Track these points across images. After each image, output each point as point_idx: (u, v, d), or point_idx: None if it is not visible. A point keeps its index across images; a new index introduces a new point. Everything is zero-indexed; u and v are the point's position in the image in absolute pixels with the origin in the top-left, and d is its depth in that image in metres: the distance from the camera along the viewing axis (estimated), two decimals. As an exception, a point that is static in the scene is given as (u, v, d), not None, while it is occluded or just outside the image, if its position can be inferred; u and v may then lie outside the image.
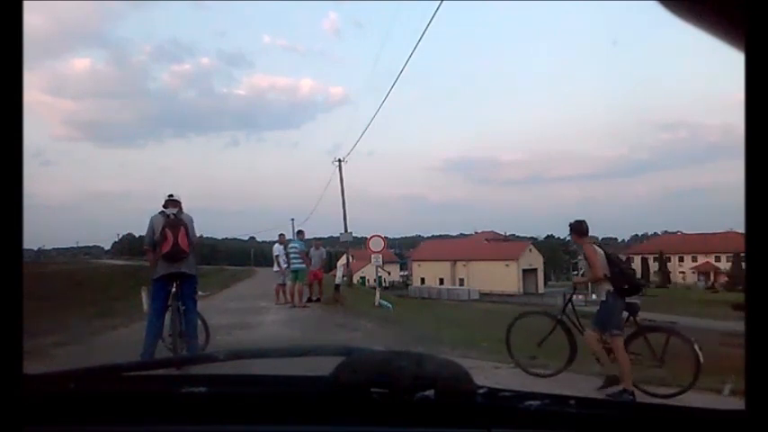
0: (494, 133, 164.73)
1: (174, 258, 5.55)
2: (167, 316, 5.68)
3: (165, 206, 5.77)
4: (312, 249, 12.80)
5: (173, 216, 5.63)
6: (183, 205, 5.93)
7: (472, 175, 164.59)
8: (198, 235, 6.04)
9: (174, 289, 5.67)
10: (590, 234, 5.50)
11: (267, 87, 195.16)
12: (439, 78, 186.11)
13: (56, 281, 22.42)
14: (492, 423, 0.80)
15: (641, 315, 5.55)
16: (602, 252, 5.34)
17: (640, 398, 4.81)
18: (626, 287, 5.17)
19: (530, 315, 6.37)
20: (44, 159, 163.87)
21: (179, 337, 5.66)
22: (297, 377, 0.90)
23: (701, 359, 4.85)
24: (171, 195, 5.84)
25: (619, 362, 5.05)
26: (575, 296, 5.82)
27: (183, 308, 5.71)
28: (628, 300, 5.25)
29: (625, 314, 5.23)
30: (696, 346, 4.96)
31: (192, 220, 5.83)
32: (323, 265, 13.38)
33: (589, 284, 5.42)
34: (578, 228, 5.39)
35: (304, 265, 12.26)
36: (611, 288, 5.15)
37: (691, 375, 4.87)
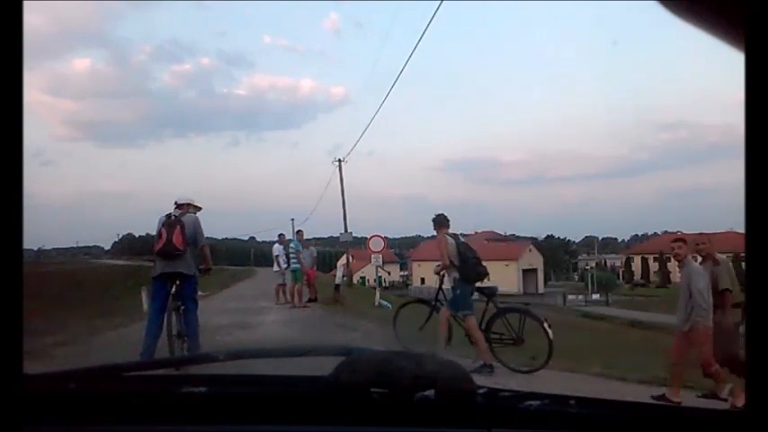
0: (494, 133, 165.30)
1: (168, 256, 5.60)
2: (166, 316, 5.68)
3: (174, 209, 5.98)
4: (303, 249, 12.83)
5: (173, 217, 5.74)
6: (192, 208, 6.09)
7: (472, 175, 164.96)
8: (203, 238, 6.09)
9: (173, 289, 5.70)
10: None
11: (267, 87, 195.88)
12: (439, 78, 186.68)
13: (56, 281, 22.40)
14: (492, 423, 0.80)
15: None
16: (453, 243, 5.96)
17: (507, 374, 5.33)
18: (472, 274, 5.88)
19: (410, 304, 7.18)
20: (44, 159, 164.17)
21: (177, 338, 5.67)
22: (297, 377, 0.90)
23: (551, 336, 5.47)
24: (176, 201, 6.04)
25: (474, 339, 5.71)
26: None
27: (183, 308, 5.73)
28: (482, 285, 6.09)
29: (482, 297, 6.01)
30: (546, 325, 5.58)
31: (195, 221, 5.92)
32: (313, 264, 13.38)
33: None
34: (439, 220, 6.08)
35: (299, 266, 12.27)
36: (458, 275, 5.83)
37: (545, 352, 5.44)
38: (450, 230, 6.11)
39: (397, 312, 6.90)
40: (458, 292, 5.90)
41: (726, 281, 5.02)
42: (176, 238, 5.56)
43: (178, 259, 5.62)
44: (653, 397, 4.88)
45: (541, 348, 5.49)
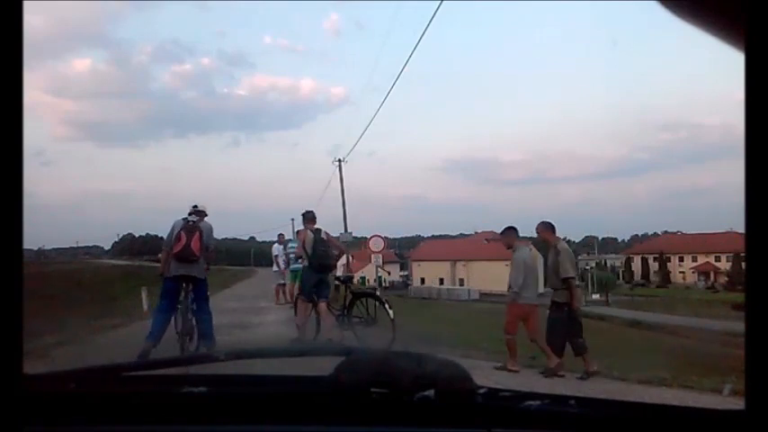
0: (494, 133, 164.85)
1: (184, 259, 5.82)
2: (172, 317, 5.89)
3: (189, 214, 6.20)
4: None
5: (192, 222, 6.01)
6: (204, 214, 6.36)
7: (472, 175, 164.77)
8: (213, 245, 6.43)
9: (184, 291, 5.93)
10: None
11: (268, 87, 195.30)
12: (439, 78, 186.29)
13: (56, 281, 22.37)
14: (492, 423, 0.80)
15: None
16: (312, 236, 6.69)
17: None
18: (315, 263, 6.65)
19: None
20: (44, 159, 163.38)
21: (186, 336, 5.85)
22: (297, 377, 0.90)
23: (392, 315, 6.40)
24: (195, 206, 6.31)
25: (322, 318, 6.73)
26: None
27: (196, 308, 5.98)
28: (339, 274, 7.07)
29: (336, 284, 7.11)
30: (387, 306, 6.52)
31: (210, 229, 6.21)
32: None
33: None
34: (306, 216, 6.94)
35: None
36: (307, 263, 6.72)
37: (390, 329, 6.30)
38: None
39: (296, 300, 7.84)
40: (303, 278, 6.95)
41: (567, 268, 5.52)
42: (195, 244, 5.81)
43: (193, 264, 5.87)
44: (495, 367, 5.67)
45: (387, 324, 6.35)
